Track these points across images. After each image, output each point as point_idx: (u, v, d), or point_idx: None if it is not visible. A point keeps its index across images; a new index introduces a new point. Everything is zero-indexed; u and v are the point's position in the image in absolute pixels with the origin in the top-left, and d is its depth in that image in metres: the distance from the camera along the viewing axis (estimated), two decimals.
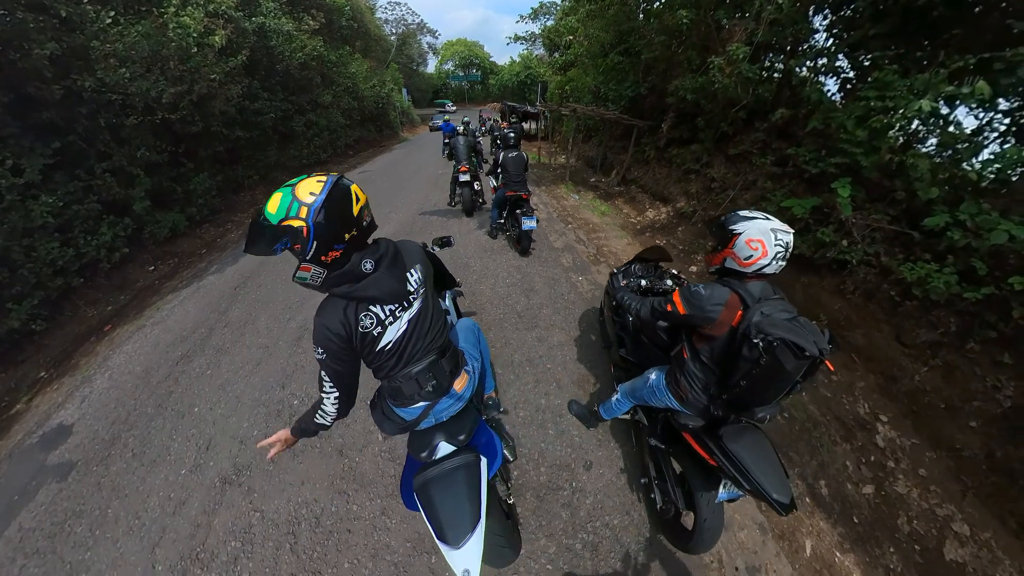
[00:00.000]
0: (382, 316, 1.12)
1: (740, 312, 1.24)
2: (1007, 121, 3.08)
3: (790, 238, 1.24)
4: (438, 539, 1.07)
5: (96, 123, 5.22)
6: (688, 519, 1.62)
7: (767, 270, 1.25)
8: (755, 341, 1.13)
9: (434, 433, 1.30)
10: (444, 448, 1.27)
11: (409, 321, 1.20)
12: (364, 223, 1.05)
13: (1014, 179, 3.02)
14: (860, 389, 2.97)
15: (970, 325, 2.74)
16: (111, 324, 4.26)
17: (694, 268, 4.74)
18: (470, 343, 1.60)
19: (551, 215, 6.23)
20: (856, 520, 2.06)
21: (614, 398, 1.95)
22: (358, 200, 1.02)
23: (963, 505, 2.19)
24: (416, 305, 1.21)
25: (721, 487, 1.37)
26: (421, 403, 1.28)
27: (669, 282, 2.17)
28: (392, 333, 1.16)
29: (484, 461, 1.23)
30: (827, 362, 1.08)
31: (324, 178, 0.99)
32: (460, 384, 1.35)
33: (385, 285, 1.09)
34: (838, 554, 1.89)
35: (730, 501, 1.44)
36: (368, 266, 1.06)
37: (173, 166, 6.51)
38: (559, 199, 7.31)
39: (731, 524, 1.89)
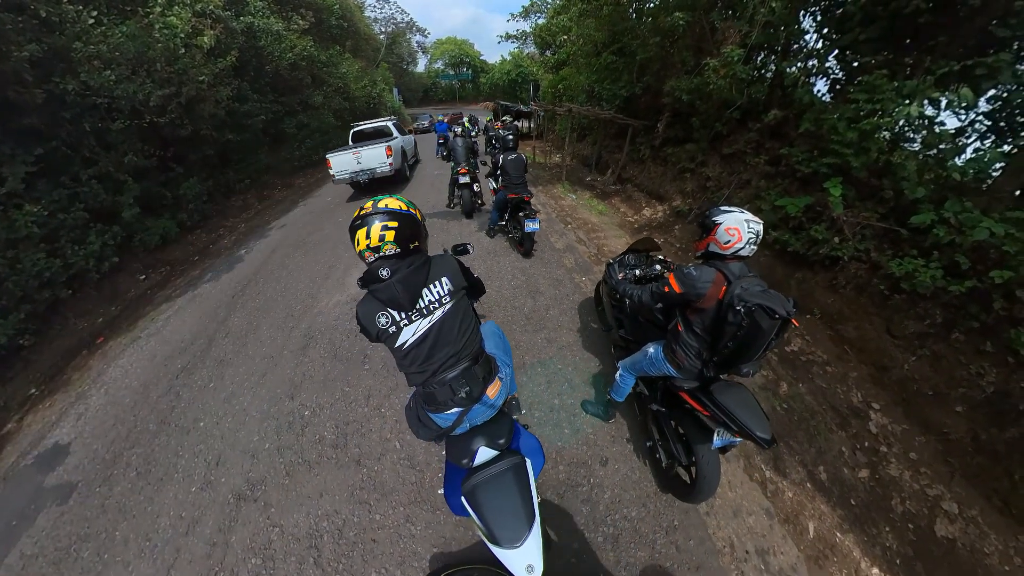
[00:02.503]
0: (397, 318, 1.26)
1: (724, 287, 1.48)
2: (988, 122, 3.23)
3: (760, 227, 1.52)
4: (493, 541, 1.10)
5: (80, 128, 5.05)
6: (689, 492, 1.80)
7: (743, 252, 1.52)
8: (738, 308, 1.38)
9: (473, 438, 1.32)
10: (485, 453, 1.29)
11: (430, 327, 1.28)
12: (367, 260, 1.29)
13: (994, 174, 3.18)
14: (853, 379, 3.10)
15: (955, 316, 2.89)
16: (103, 336, 4.14)
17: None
18: (500, 348, 1.64)
19: (550, 215, 6.27)
20: (853, 502, 2.18)
21: (617, 376, 2.12)
22: (359, 243, 1.26)
23: (951, 485, 2.33)
24: (438, 314, 1.28)
25: (715, 435, 1.58)
26: (455, 409, 1.32)
27: (658, 267, 2.42)
28: (407, 335, 1.27)
29: (529, 462, 1.27)
30: (793, 320, 1.35)
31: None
32: (493, 391, 1.39)
33: (391, 293, 1.23)
34: (838, 534, 2.00)
35: (723, 451, 1.67)
36: (384, 273, 1.23)
37: (162, 171, 6.35)
38: (556, 199, 7.36)
39: (740, 510, 1.99)
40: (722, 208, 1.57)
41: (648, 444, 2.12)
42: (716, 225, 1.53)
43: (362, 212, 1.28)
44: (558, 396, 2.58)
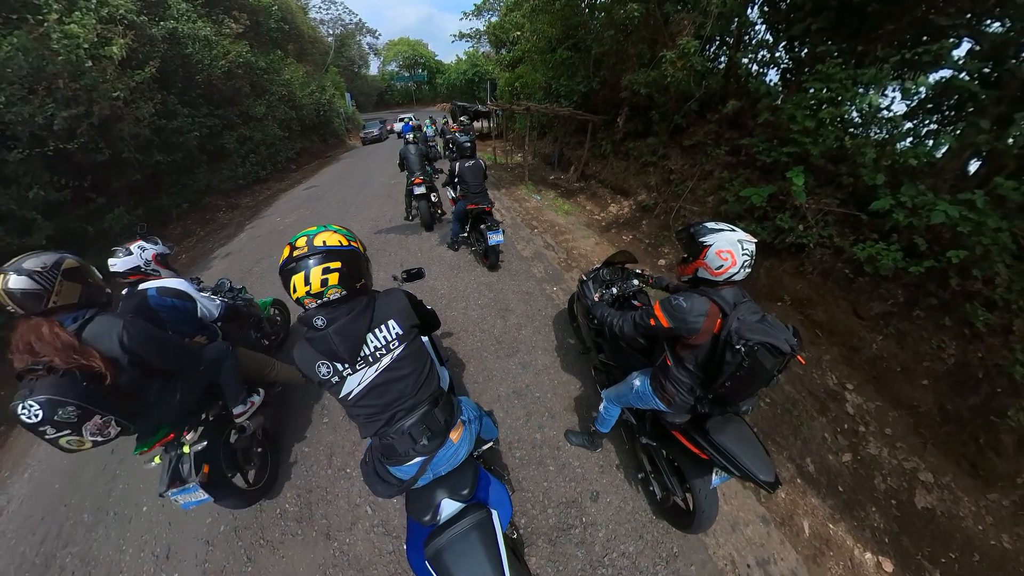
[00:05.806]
0: (339, 368, 1.14)
1: (720, 320, 1.32)
2: (930, 106, 3.35)
3: (753, 247, 1.34)
4: None
5: None
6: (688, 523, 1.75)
7: (736, 277, 1.33)
8: (737, 347, 1.23)
9: (434, 491, 1.21)
10: (448, 506, 1.19)
11: (378, 376, 1.16)
12: (306, 307, 1.14)
13: (938, 156, 3.31)
14: (827, 362, 3.18)
15: (915, 295, 3.02)
16: None
17: (662, 261, 4.81)
18: (484, 425, 1.53)
19: (515, 220, 6.08)
20: (841, 489, 2.23)
21: (602, 407, 1.99)
22: (295, 290, 1.10)
23: (925, 455, 2.46)
24: (386, 361, 1.17)
25: (713, 474, 1.52)
26: (417, 459, 1.20)
27: (636, 282, 2.27)
28: (352, 385, 1.15)
29: (495, 514, 1.16)
30: (799, 357, 1.24)
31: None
32: (456, 434, 1.28)
33: (327, 345, 1.11)
34: (831, 526, 2.03)
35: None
36: (319, 322, 1.11)
37: (79, 203, 5.61)
38: (520, 201, 7.17)
39: (737, 523, 1.96)
40: (709, 226, 1.37)
41: (640, 476, 2.02)
42: (705, 247, 1.33)
43: (295, 253, 1.09)
44: (539, 429, 2.41)
